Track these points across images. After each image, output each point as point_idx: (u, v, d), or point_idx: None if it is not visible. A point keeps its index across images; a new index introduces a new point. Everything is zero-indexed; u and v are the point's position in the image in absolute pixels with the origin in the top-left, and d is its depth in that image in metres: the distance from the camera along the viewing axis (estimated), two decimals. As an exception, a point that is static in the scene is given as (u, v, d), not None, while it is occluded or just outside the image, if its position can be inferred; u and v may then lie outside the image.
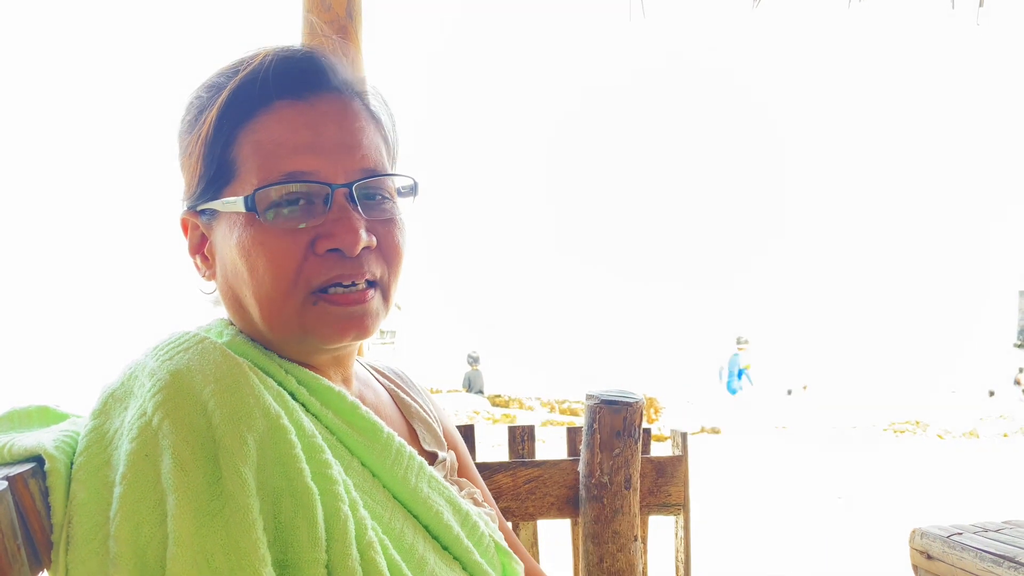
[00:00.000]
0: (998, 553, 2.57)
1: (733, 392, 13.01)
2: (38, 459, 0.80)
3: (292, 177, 0.85)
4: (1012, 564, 2.47)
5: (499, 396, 14.74)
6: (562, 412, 13.55)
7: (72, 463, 0.79)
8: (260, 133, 0.87)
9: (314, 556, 0.74)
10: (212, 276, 0.94)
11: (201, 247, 0.95)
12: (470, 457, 1.21)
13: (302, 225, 0.86)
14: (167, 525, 0.71)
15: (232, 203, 0.86)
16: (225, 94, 0.88)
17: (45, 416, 0.92)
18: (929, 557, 2.83)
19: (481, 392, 14.77)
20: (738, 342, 13.17)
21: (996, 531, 2.84)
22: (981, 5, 3.64)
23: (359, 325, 0.89)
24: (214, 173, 0.89)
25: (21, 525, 0.75)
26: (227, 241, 0.89)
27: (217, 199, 0.89)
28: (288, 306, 0.86)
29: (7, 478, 0.75)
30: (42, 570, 0.78)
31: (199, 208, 0.91)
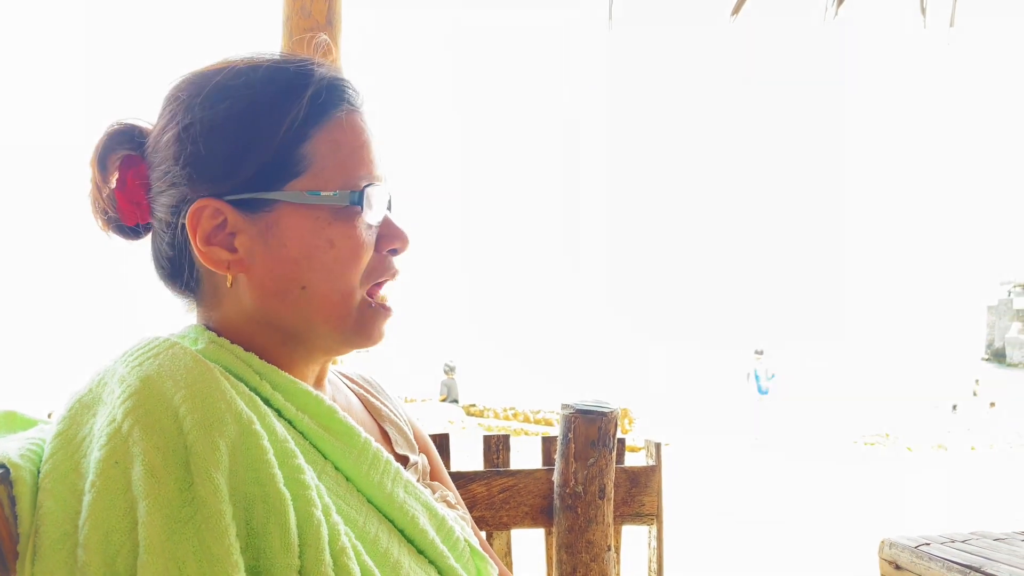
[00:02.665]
0: (965, 563, 2.61)
1: (763, 393, 14.77)
2: (3, 467, 0.78)
3: (377, 180, 0.92)
4: (979, 574, 2.51)
5: (473, 406, 14.70)
6: (536, 422, 13.56)
7: (38, 471, 0.78)
8: (336, 133, 0.90)
9: (287, 562, 0.74)
10: (227, 268, 0.89)
11: (216, 237, 0.89)
12: (441, 462, 1.22)
13: (375, 224, 0.93)
14: (138, 533, 0.70)
15: (331, 197, 0.88)
16: (311, 90, 0.90)
17: (12, 422, 0.90)
18: (897, 567, 2.87)
19: (456, 401, 14.74)
20: (756, 353, 15.11)
21: (963, 541, 2.88)
22: (952, 25, 3.73)
23: (386, 333, 0.98)
24: (279, 164, 0.88)
25: (-14, 533, 0.74)
26: (296, 232, 0.88)
27: (279, 190, 0.88)
28: (352, 299, 0.91)
29: (-29, 485, 0.73)
30: (8, 579, 0.77)
31: (236, 198, 0.88)
